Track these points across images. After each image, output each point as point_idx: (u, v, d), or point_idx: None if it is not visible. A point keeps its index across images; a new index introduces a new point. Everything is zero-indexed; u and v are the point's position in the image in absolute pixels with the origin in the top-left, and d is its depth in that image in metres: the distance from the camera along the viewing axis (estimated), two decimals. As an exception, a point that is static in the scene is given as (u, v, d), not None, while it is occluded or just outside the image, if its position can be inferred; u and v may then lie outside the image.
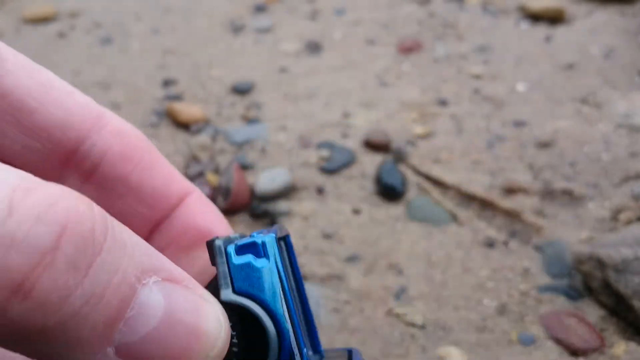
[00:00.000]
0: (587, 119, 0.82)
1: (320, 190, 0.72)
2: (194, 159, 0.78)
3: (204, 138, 0.82)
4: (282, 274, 0.26)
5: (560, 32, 1.02)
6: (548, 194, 0.70)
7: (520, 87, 0.90)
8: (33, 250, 0.18)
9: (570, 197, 0.69)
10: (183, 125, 0.86)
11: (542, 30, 1.03)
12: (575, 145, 0.77)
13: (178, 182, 0.32)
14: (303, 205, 0.70)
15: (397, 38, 1.04)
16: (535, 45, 1.00)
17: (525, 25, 1.05)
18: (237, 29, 1.10)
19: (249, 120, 0.86)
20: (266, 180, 0.70)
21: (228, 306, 0.24)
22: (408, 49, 1.00)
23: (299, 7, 1.16)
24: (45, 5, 1.20)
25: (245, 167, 0.75)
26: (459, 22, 1.07)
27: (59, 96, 0.30)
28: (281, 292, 0.25)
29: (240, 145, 0.80)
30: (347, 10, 1.13)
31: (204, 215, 0.32)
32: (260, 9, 1.15)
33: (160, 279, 0.22)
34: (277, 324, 0.25)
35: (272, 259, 0.25)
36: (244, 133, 0.82)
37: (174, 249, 0.32)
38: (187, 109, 0.86)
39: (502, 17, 1.08)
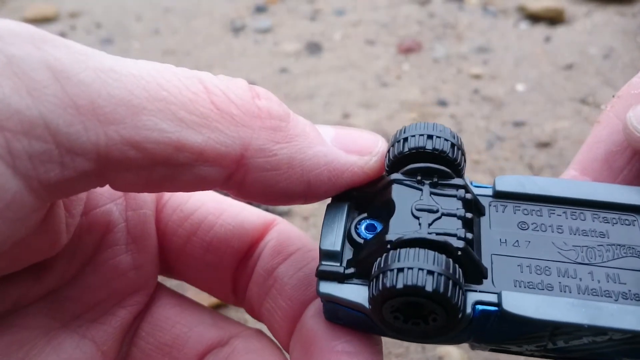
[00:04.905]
0: (586, 119, 0.82)
1: (320, 190, 0.72)
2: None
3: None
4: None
5: (559, 33, 1.02)
6: (547, 193, 0.70)
7: (520, 87, 0.90)
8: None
9: (569, 197, 0.69)
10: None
11: (541, 30, 1.04)
12: (575, 145, 0.77)
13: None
14: (303, 205, 0.70)
15: (397, 38, 1.04)
16: (535, 45, 1.00)
17: (524, 25, 1.05)
18: (237, 29, 1.11)
19: (249, 121, 0.86)
20: (266, 180, 0.71)
21: None
22: (408, 49, 1.01)
23: (299, 7, 1.16)
24: (46, 6, 1.20)
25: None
26: (458, 23, 1.08)
27: (232, 209, 0.33)
28: None
29: (241, 146, 0.81)
30: (347, 10, 1.14)
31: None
32: (260, 9, 1.16)
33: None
34: None
35: None
36: (245, 133, 0.82)
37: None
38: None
39: (502, 18, 1.08)
